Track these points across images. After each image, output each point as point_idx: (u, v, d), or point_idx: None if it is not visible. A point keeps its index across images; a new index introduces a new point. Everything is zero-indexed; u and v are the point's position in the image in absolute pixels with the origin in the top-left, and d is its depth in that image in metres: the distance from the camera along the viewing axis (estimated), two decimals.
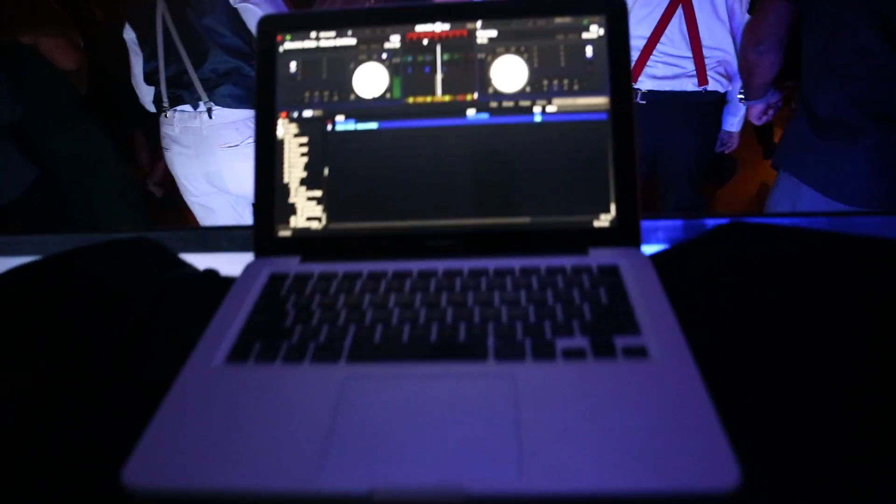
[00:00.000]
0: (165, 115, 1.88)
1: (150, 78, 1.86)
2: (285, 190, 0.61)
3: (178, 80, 1.81)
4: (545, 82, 0.60)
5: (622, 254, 0.57)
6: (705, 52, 1.90)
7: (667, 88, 1.94)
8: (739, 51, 1.88)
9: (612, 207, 0.58)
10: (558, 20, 0.60)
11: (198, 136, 1.84)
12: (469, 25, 0.61)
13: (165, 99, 1.84)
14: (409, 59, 0.61)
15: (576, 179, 0.59)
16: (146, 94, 1.94)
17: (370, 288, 0.54)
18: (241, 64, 1.77)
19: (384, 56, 0.61)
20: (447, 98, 0.60)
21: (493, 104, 0.60)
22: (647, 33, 1.91)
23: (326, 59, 0.62)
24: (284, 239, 0.61)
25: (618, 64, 0.59)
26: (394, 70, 0.61)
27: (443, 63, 0.61)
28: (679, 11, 1.88)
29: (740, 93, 1.80)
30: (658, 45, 1.92)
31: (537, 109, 0.60)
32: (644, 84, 1.97)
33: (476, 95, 0.60)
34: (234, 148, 1.82)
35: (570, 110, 0.59)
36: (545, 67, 0.60)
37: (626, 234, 0.58)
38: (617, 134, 0.59)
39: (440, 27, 0.61)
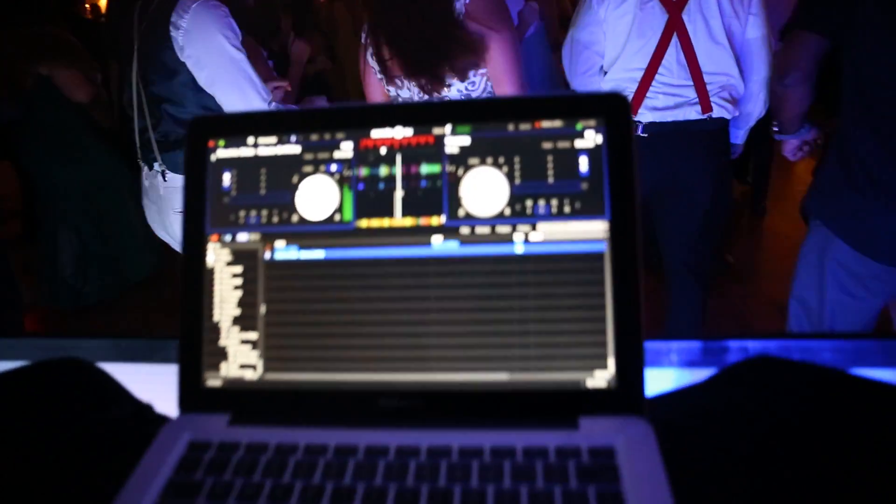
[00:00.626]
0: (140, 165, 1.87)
1: (128, 128, 1.86)
2: (215, 330, 0.51)
3: (142, 136, 1.79)
4: (529, 203, 0.48)
5: (620, 427, 0.45)
6: (706, 78, 1.80)
7: (669, 119, 1.84)
8: (767, 80, 1.81)
9: (610, 363, 0.47)
10: (545, 124, 0.49)
11: (157, 195, 1.80)
12: (436, 131, 0.50)
13: (137, 151, 1.83)
14: (364, 172, 0.50)
15: (565, 327, 0.47)
16: None
17: (304, 472, 0.44)
18: None
19: (333, 168, 0.51)
20: (409, 222, 0.49)
21: (465, 230, 0.49)
22: (644, 65, 1.82)
23: (266, 171, 0.51)
24: (213, 391, 0.50)
25: (619, 179, 0.48)
26: (345, 186, 0.50)
27: (404, 178, 0.50)
28: (675, 40, 1.78)
29: (773, 124, 1.67)
30: (656, 75, 1.82)
31: (518, 238, 0.48)
32: (644, 116, 1.86)
33: (444, 219, 0.49)
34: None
35: (559, 239, 0.48)
36: (529, 184, 0.49)
37: (626, 399, 0.46)
38: (617, 269, 0.47)
39: (401, 132, 0.50)
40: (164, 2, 1.63)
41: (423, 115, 0.50)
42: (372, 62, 1.58)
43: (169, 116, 1.69)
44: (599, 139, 0.48)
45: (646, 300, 0.47)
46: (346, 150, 0.51)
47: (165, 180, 1.75)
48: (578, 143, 0.49)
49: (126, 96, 1.80)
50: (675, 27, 1.78)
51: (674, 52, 1.79)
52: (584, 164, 0.48)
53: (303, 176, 0.51)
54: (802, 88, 1.47)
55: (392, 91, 1.59)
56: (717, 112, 1.83)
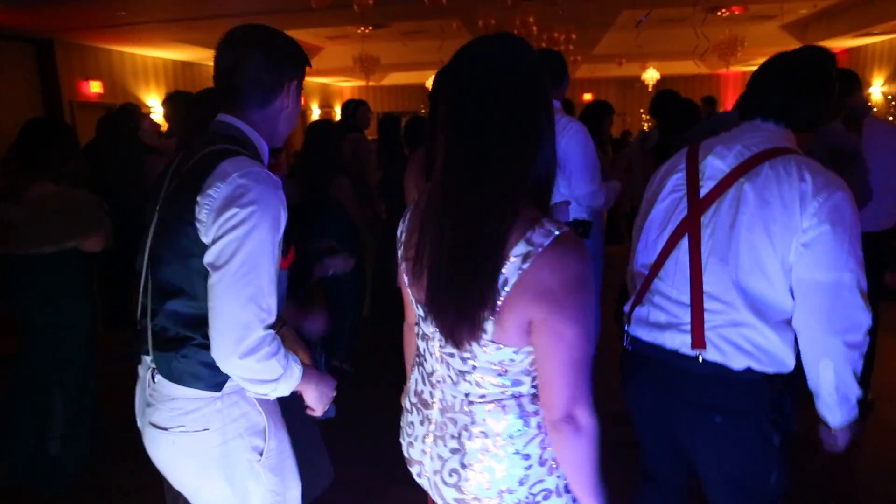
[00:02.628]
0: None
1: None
2: None
3: (141, 319, 1.44)
4: None
5: None
6: (707, 303, 1.39)
7: (654, 340, 1.49)
8: (833, 352, 1.34)
9: None
10: None
11: (143, 393, 1.45)
12: None
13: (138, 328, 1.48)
14: None
15: None
16: None
17: None
18: (193, 334, 1.33)
19: None
20: None
21: None
22: (650, 261, 1.53)
23: None
24: None
25: None
26: None
27: None
28: (684, 243, 1.44)
29: None
30: (655, 279, 1.50)
31: None
32: (633, 328, 1.56)
33: None
34: (161, 431, 1.38)
35: None
36: None
37: None
38: None
39: None
40: (202, 163, 1.30)
41: None
42: (402, 262, 1.22)
43: (170, 309, 1.34)
44: None
45: None
46: None
47: (154, 382, 1.39)
48: None
49: (138, 261, 1.46)
50: (688, 228, 1.44)
51: (677, 256, 1.46)
52: None
53: None
54: None
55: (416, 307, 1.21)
56: (712, 354, 1.40)
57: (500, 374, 1.10)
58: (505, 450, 1.12)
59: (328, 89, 16.01)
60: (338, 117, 14.68)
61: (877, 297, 2.88)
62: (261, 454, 1.41)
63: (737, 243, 1.37)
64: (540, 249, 0.99)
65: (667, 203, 1.52)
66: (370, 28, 9.83)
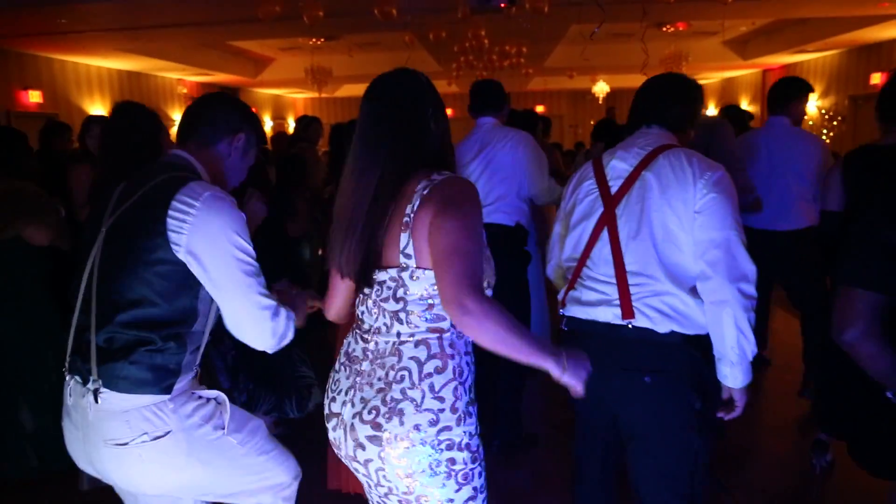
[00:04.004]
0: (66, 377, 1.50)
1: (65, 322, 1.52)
2: None
3: (78, 338, 1.45)
4: None
5: None
6: (631, 279, 1.65)
7: (589, 317, 1.72)
8: (733, 300, 1.60)
9: None
10: None
11: (83, 420, 1.44)
12: None
13: (66, 358, 1.48)
14: None
15: None
16: None
17: None
18: (151, 337, 1.41)
19: None
20: None
21: None
22: (578, 255, 1.79)
23: None
24: None
25: None
26: None
27: None
28: (605, 234, 1.72)
29: (887, 392, 1.39)
30: (584, 268, 1.77)
31: None
32: (568, 309, 1.79)
33: None
34: (123, 447, 1.40)
35: None
36: None
37: None
38: None
39: None
40: (164, 185, 1.44)
41: None
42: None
43: (123, 320, 1.40)
44: None
45: None
46: None
47: (97, 402, 1.39)
48: None
49: (73, 284, 1.51)
50: (606, 221, 1.72)
51: (601, 245, 1.72)
52: None
53: None
54: (870, 344, 1.32)
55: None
56: (640, 321, 1.64)
57: (426, 309, 1.34)
58: (423, 387, 1.32)
59: (280, 101, 15.85)
60: (290, 130, 14.53)
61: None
62: (223, 427, 1.52)
63: (649, 223, 1.65)
64: (436, 181, 1.33)
65: (584, 206, 1.81)
66: (322, 40, 9.78)
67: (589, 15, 6.39)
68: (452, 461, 1.32)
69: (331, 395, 1.47)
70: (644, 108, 1.86)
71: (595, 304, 1.72)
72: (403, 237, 1.32)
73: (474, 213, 1.31)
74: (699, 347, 1.68)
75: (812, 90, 3.39)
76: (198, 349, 1.53)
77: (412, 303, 1.34)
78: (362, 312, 1.45)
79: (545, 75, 13.27)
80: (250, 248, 1.47)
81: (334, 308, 1.58)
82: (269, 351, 1.52)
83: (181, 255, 1.40)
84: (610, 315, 1.68)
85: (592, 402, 1.69)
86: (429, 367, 1.34)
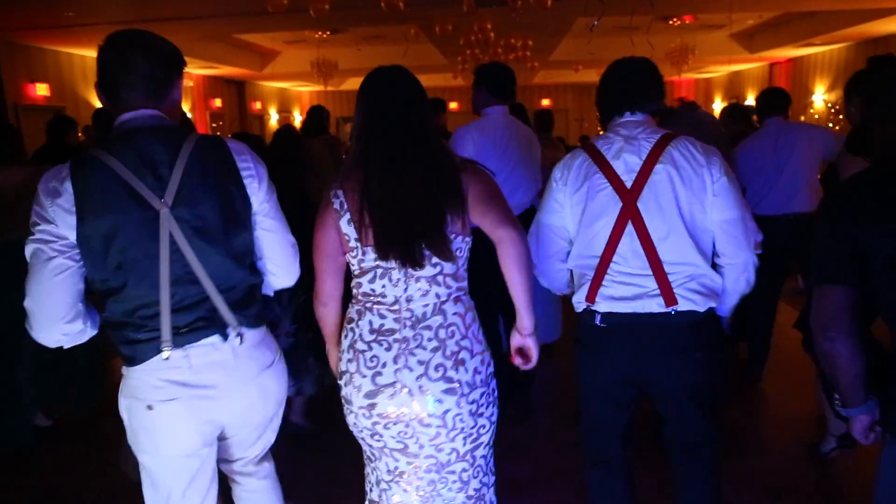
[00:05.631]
0: (166, 358, 1.46)
1: (126, 312, 1.44)
2: None
3: (187, 311, 1.46)
4: None
5: None
6: (668, 268, 1.71)
7: (628, 310, 1.75)
8: (746, 265, 1.78)
9: None
10: None
11: (224, 371, 1.52)
12: None
13: (168, 335, 1.44)
14: None
15: None
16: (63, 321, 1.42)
17: None
18: (257, 280, 1.63)
19: None
20: None
21: None
22: (599, 252, 1.76)
23: None
24: None
25: None
26: None
27: None
28: (630, 228, 1.72)
29: (835, 399, 1.41)
30: (611, 264, 1.75)
31: None
32: (601, 306, 1.78)
33: None
34: (268, 371, 1.62)
35: None
36: None
37: None
38: None
39: None
40: (212, 149, 1.51)
41: None
42: (348, 229, 1.52)
43: (238, 278, 1.52)
44: None
45: None
46: None
47: (242, 343, 1.54)
48: None
49: (143, 287, 1.44)
50: (629, 216, 1.72)
51: (629, 240, 1.72)
52: None
53: None
54: (847, 344, 1.29)
55: (359, 256, 1.54)
56: (684, 305, 1.72)
57: (456, 270, 1.54)
58: (470, 335, 1.56)
59: (286, 94, 15.85)
60: (297, 122, 14.55)
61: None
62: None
63: (679, 215, 1.72)
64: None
65: (598, 202, 1.77)
66: (328, 33, 9.78)
67: (594, 8, 6.38)
68: (494, 390, 1.63)
69: (370, 372, 1.54)
70: (631, 94, 1.84)
71: (632, 298, 1.75)
72: (451, 215, 1.51)
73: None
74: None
75: (790, 101, 3.73)
76: None
77: (446, 266, 1.52)
78: (378, 290, 1.54)
79: (551, 68, 13.23)
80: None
81: (326, 290, 1.63)
82: (290, 285, 1.70)
83: (259, 208, 1.57)
84: (653, 306, 1.74)
85: (620, 385, 1.87)
86: (468, 318, 1.57)
